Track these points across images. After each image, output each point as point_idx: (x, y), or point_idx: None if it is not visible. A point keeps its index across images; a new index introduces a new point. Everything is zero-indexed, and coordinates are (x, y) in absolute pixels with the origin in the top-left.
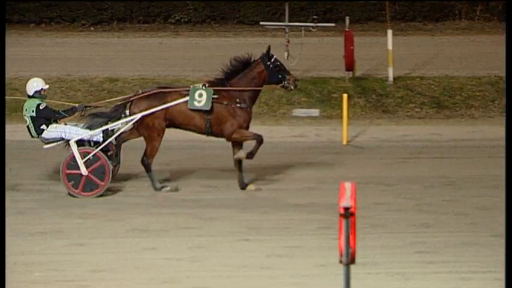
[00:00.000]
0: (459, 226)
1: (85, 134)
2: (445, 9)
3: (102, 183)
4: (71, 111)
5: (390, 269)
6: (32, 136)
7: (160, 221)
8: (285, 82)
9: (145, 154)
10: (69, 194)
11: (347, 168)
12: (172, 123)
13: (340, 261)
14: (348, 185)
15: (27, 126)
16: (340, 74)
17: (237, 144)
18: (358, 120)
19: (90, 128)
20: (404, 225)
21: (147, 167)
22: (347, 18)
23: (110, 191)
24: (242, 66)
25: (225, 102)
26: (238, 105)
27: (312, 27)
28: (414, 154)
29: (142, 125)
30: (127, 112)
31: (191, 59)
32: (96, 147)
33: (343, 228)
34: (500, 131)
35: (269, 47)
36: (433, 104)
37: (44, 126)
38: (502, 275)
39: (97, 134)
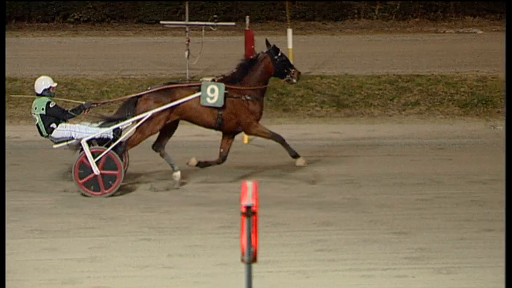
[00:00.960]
0: (359, 224)
1: (95, 132)
2: (344, 8)
3: (105, 191)
4: (78, 110)
5: (291, 267)
6: (42, 135)
7: (60, 222)
8: (289, 76)
9: (127, 140)
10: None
11: (247, 168)
12: (181, 118)
13: (242, 260)
14: (249, 184)
15: (37, 125)
16: None
17: (228, 137)
18: None
19: (102, 126)
20: (305, 223)
21: (119, 150)
22: (247, 17)
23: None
24: (249, 62)
25: (235, 96)
26: (249, 97)
27: (212, 26)
28: (314, 152)
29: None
30: (136, 110)
31: (91, 58)
32: (103, 145)
33: (244, 227)
34: (399, 129)
35: (266, 40)
36: (333, 103)
37: (53, 125)
38: (402, 272)
39: (108, 133)
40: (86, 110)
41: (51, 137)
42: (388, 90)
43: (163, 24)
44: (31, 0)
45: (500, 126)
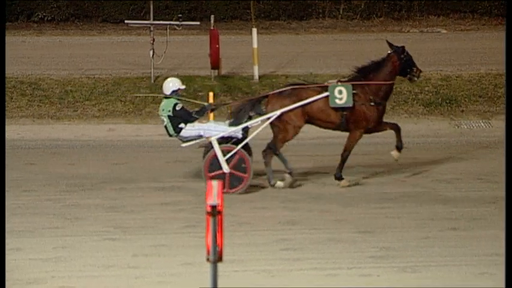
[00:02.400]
0: (324, 223)
1: (224, 131)
2: (309, 8)
3: (230, 190)
4: (201, 112)
5: (256, 267)
6: (170, 135)
7: (24, 221)
8: (411, 74)
9: (274, 141)
10: None
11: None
12: (309, 121)
13: (208, 259)
14: (215, 183)
15: (165, 126)
16: (206, 72)
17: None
18: (224, 118)
19: (233, 124)
20: (271, 222)
21: (268, 158)
22: (212, 16)
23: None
24: (375, 63)
25: (361, 97)
26: (372, 103)
27: (177, 25)
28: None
29: (279, 120)
30: (263, 109)
31: (55, 57)
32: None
33: (210, 226)
34: None
35: (387, 41)
36: None
37: (182, 125)
38: (366, 271)
39: (237, 131)
40: (208, 112)
41: (180, 136)
42: None
43: (127, 23)
44: None
45: (464, 125)
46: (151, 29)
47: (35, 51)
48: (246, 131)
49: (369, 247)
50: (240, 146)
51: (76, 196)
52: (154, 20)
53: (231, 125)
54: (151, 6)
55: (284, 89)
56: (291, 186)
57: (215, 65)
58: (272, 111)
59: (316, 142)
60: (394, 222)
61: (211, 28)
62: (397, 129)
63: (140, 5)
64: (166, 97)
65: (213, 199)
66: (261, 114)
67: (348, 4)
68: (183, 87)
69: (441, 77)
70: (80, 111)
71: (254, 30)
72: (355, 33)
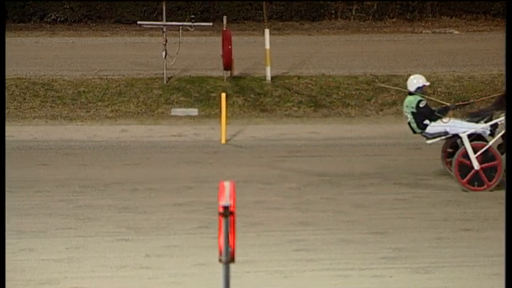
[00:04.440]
0: (336, 224)
1: (471, 127)
2: (322, 8)
3: (490, 183)
4: (444, 111)
5: (269, 267)
6: (415, 132)
7: (37, 222)
8: None
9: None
10: None
11: (226, 167)
12: None
13: (220, 260)
14: (227, 184)
15: (408, 123)
16: (218, 73)
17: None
18: (236, 119)
19: (476, 121)
20: (283, 223)
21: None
22: (224, 17)
23: None
24: None
25: None
26: None
27: (190, 26)
28: (292, 153)
29: None
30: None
31: (68, 58)
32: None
33: (222, 227)
34: (376, 129)
35: None
36: (310, 103)
37: (427, 121)
38: (379, 272)
39: (485, 128)
40: (452, 110)
41: (426, 133)
42: (365, 91)
43: (140, 24)
44: (8, 0)
45: None
46: (164, 30)
47: (48, 52)
48: (494, 127)
49: (382, 248)
50: (490, 142)
51: (89, 197)
52: (167, 21)
53: (470, 122)
54: (164, 7)
55: None
56: None
57: (228, 66)
58: None
59: (328, 143)
60: (406, 223)
61: (224, 29)
62: None
63: (153, 6)
64: (411, 94)
65: (226, 200)
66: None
67: (361, 5)
68: (428, 83)
69: (454, 78)
70: (93, 112)
71: (266, 31)
72: (368, 34)
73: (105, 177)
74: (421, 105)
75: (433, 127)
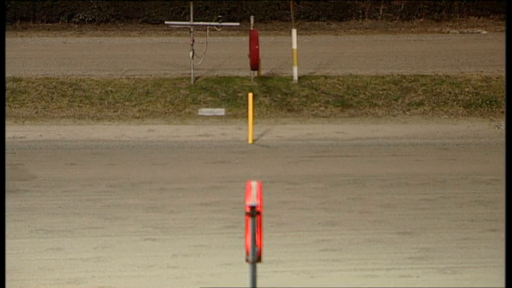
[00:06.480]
0: (363, 224)
1: None
2: (349, 8)
3: None
4: None
5: (296, 267)
6: None
7: (64, 221)
8: None
9: None
10: None
11: (253, 167)
12: None
13: (247, 260)
14: (254, 184)
15: None
16: (245, 73)
17: None
18: (263, 119)
19: None
20: (310, 223)
21: None
22: (252, 17)
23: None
24: None
25: None
26: None
27: (217, 26)
28: (319, 153)
29: None
30: None
31: (95, 58)
32: None
33: (249, 227)
34: (403, 129)
35: None
36: (337, 103)
37: None
38: (406, 272)
39: None
40: None
41: None
42: (392, 91)
43: (167, 24)
44: (36, 0)
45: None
46: (191, 29)
47: (76, 52)
48: None
49: (409, 248)
50: None
51: (116, 196)
52: (194, 21)
53: None
54: (191, 7)
55: None
56: None
57: (255, 65)
58: None
59: (355, 143)
60: (433, 223)
61: (251, 29)
62: None
63: (180, 6)
64: None
65: (252, 200)
66: None
67: (388, 5)
68: None
69: (481, 78)
70: (120, 111)
71: (294, 31)
72: (395, 34)
73: (132, 177)
74: None
75: None
